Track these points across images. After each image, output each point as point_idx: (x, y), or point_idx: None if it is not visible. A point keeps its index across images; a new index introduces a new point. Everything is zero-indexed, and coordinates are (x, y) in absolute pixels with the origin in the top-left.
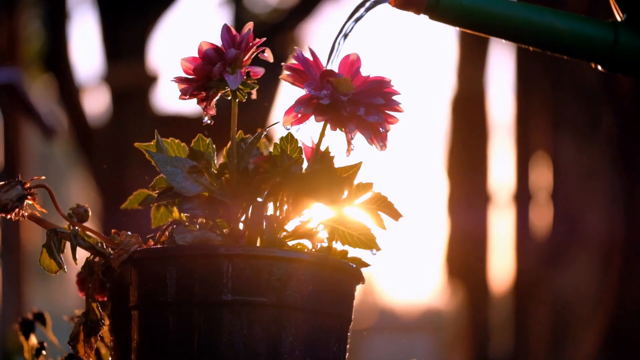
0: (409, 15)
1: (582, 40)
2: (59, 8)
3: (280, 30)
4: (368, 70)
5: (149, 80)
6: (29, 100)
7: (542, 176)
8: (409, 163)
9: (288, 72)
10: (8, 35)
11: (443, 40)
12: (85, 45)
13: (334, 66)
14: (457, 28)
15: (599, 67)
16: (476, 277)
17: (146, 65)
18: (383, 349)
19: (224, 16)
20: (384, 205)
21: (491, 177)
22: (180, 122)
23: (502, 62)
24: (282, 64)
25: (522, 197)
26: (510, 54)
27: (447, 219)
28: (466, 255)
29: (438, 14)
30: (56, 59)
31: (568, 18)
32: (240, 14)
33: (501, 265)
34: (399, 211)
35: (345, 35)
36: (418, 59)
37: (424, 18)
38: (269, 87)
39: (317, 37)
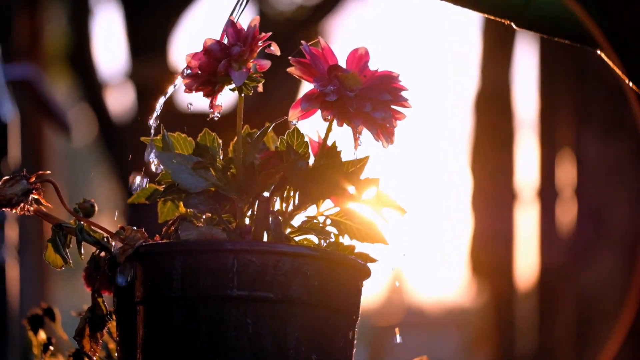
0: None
1: None
2: (82, 5)
3: (305, 27)
4: (376, 64)
5: (173, 76)
6: (46, 97)
7: (567, 173)
8: (433, 160)
9: (296, 66)
10: (30, 32)
11: (468, 36)
12: (109, 42)
13: (239, 21)
14: None
15: (513, 25)
16: (501, 274)
17: (170, 61)
18: (409, 345)
19: (249, 12)
20: (388, 202)
21: (516, 173)
22: (204, 118)
23: (526, 58)
24: (289, 57)
25: (547, 193)
26: (535, 50)
27: (471, 216)
28: (491, 253)
29: None
30: (79, 55)
31: None
32: (265, 10)
33: (526, 262)
34: (402, 207)
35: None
36: (442, 56)
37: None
38: (291, 80)
39: (343, 33)
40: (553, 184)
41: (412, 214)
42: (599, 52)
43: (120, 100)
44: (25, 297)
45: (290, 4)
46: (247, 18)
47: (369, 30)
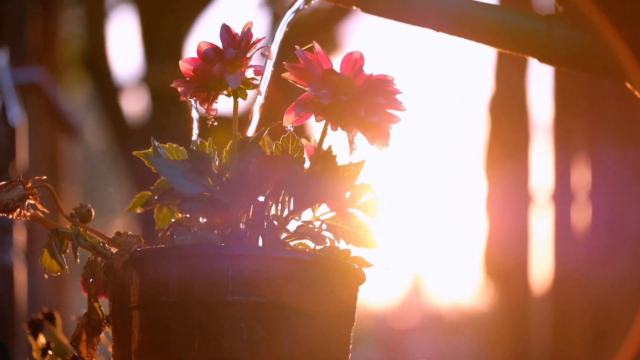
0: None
1: (516, 33)
2: (97, 8)
3: (321, 30)
4: (371, 68)
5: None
6: (54, 100)
7: (582, 177)
8: (448, 164)
9: (291, 70)
10: (44, 35)
11: None
12: (124, 45)
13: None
14: (389, 20)
15: (536, 60)
16: (516, 278)
17: None
18: (425, 348)
19: (264, 15)
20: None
21: (531, 177)
22: (220, 121)
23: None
24: (284, 62)
25: (562, 197)
26: None
27: (486, 220)
28: (506, 256)
29: (369, 6)
30: (94, 59)
31: (502, 11)
32: (280, 13)
33: (541, 265)
34: (395, 213)
35: (281, 31)
36: (458, 60)
37: (355, 11)
38: None
39: (358, 36)
40: (568, 187)
41: (426, 217)
42: (627, 84)
43: (135, 103)
44: (37, 301)
45: (305, 7)
46: (266, 21)
47: (384, 33)
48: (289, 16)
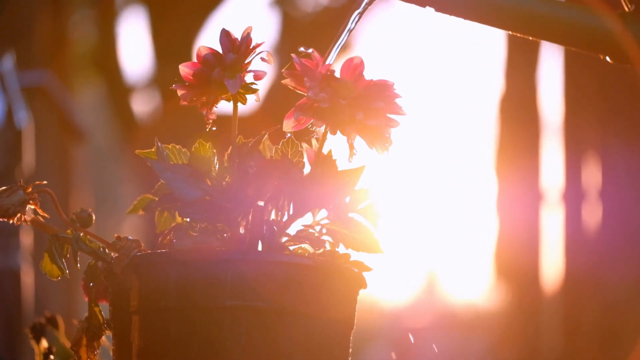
0: (416, 10)
1: (590, 32)
2: (107, 8)
3: (331, 29)
4: (372, 73)
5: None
6: (61, 103)
7: (593, 175)
8: (459, 163)
9: (290, 77)
10: (52, 37)
11: (492, 38)
12: (134, 46)
13: (335, 63)
14: (462, 19)
15: (608, 59)
16: (527, 277)
17: None
18: (438, 347)
19: (274, 15)
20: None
21: (541, 176)
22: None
23: (551, 60)
24: (283, 70)
25: (573, 196)
26: (560, 52)
27: (497, 219)
28: (517, 256)
29: (443, 6)
30: (105, 59)
31: (575, 10)
32: (290, 12)
33: (552, 265)
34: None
35: (350, 30)
36: (468, 58)
37: (429, 11)
38: None
39: (369, 35)
40: (579, 186)
41: (438, 217)
42: None
43: (145, 104)
44: (45, 304)
45: (315, 6)
46: (277, 21)
47: (395, 32)
48: (353, 20)
